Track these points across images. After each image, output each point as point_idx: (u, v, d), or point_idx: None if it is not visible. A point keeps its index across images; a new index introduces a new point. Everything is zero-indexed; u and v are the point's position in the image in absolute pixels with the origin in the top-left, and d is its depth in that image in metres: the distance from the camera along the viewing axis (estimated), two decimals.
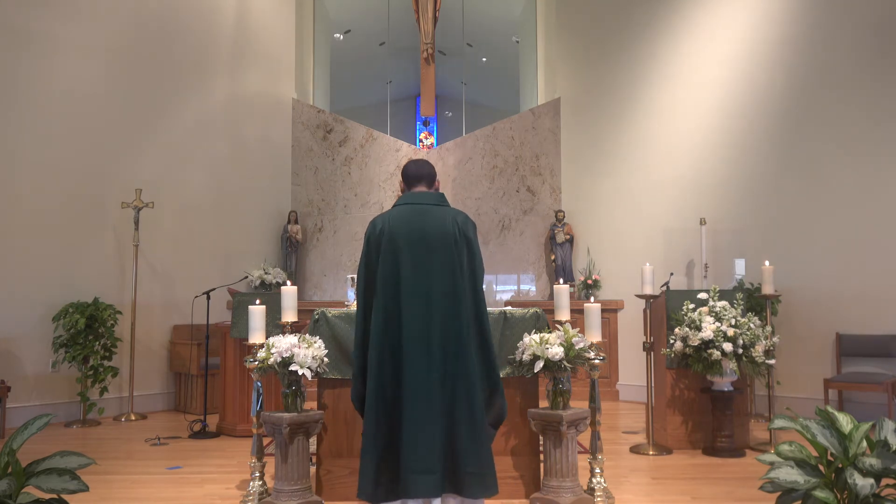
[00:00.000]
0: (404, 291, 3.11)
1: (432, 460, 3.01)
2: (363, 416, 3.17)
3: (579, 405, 3.83)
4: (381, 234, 3.18)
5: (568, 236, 8.18)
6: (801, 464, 2.47)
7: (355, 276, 4.61)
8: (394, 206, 3.31)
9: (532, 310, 3.95)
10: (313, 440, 3.74)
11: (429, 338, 3.08)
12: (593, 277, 7.87)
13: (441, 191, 3.43)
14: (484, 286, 3.36)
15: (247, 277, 7.87)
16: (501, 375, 3.78)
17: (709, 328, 4.89)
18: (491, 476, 3.08)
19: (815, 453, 2.55)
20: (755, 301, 6.18)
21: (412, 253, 3.13)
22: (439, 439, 3.03)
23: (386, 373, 3.08)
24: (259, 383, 3.81)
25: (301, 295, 8.22)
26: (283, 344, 3.57)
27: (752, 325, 4.96)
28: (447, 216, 3.22)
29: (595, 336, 3.81)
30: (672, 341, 5.12)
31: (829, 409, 2.60)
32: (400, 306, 3.10)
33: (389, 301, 3.12)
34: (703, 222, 7.03)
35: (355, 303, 4.32)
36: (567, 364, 3.64)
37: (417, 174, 3.35)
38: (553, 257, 8.25)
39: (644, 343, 5.23)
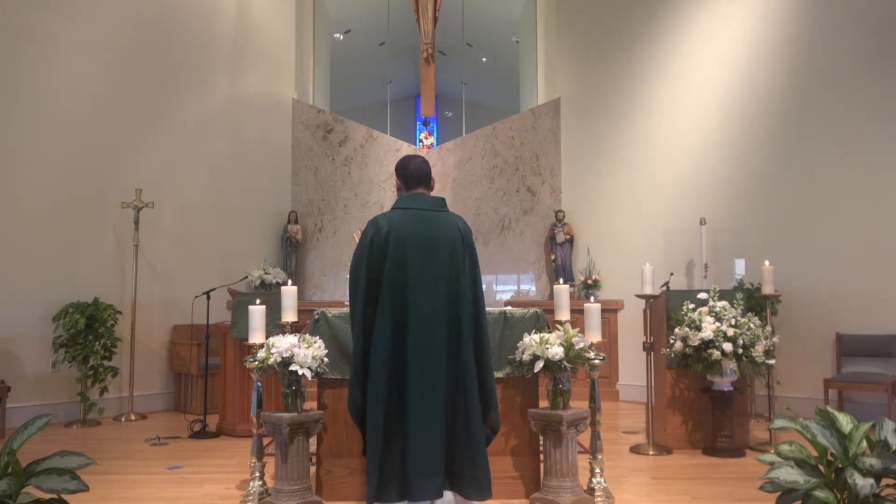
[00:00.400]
0: (411, 299, 3.10)
1: (437, 463, 3.05)
2: (362, 425, 3.17)
3: (579, 405, 3.83)
4: (386, 237, 3.14)
5: (568, 236, 8.17)
6: (801, 464, 2.47)
7: None
8: (395, 207, 3.28)
9: (532, 310, 3.95)
10: (313, 440, 3.74)
11: (435, 343, 3.10)
12: (593, 277, 7.87)
13: (435, 189, 3.43)
14: (484, 287, 3.39)
15: (247, 277, 7.87)
16: (501, 375, 3.82)
17: (709, 328, 4.89)
18: (486, 479, 3.12)
19: (815, 453, 2.55)
20: (755, 301, 6.18)
21: (420, 259, 3.13)
22: (442, 442, 3.07)
23: (394, 379, 3.09)
24: (259, 383, 3.81)
25: (301, 295, 8.22)
26: (283, 344, 3.57)
27: (752, 325, 4.96)
28: (451, 223, 3.24)
29: (595, 336, 3.81)
30: (672, 341, 5.12)
31: (829, 409, 2.60)
32: (407, 313, 3.10)
33: (397, 307, 3.11)
34: (703, 222, 7.03)
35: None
36: (567, 364, 3.64)
37: (418, 175, 3.33)
38: (553, 257, 8.25)
39: (644, 343, 5.23)
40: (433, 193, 3.41)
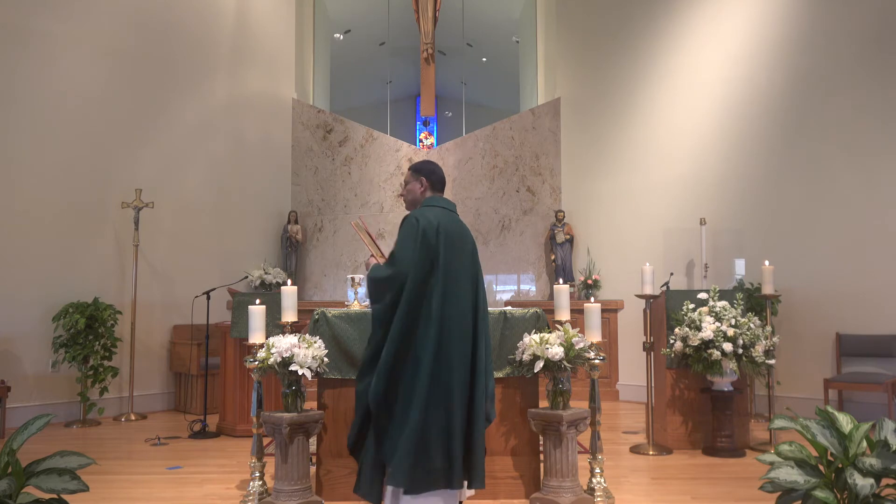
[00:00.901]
0: (454, 292, 3.22)
1: (460, 450, 3.17)
2: (389, 412, 3.17)
3: (579, 405, 3.83)
4: (437, 231, 3.23)
5: (568, 236, 8.17)
6: (801, 464, 2.47)
7: (354, 275, 4.62)
8: (432, 205, 3.37)
9: (532, 310, 3.95)
10: (313, 440, 3.74)
11: (467, 335, 3.23)
12: (593, 277, 7.87)
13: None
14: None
15: (247, 277, 7.87)
16: (501, 375, 3.84)
17: (709, 328, 4.89)
18: (482, 471, 3.23)
19: (815, 453, 2.54)
20: (755, 301, 6.18)
21: (458, 256, 3.28)
22: (464, 431, 3.21)
23: (436, 367, 3.14)
24: (259, 383, 3.81)
25: (301, 295, 8.22)
26: (283, 344, 3.57)
27: (752, 325, 4.96)
28: (466, 226, 3.44)
29: (595, 336, 3.81)
30: (672, 341, 5.12)
31: (829, 409, 2.60)
32: (451, 305, 3.21)
33: (449, 299, 3.20)
34: (703, 222, 7.03)
35: (361, 302, 4.33)
36: (567, 364, 3.64)
37: (443, 180, 3.49)
38: (553, 257, 8.25)
39: (644, 343, 5.23)
40: None
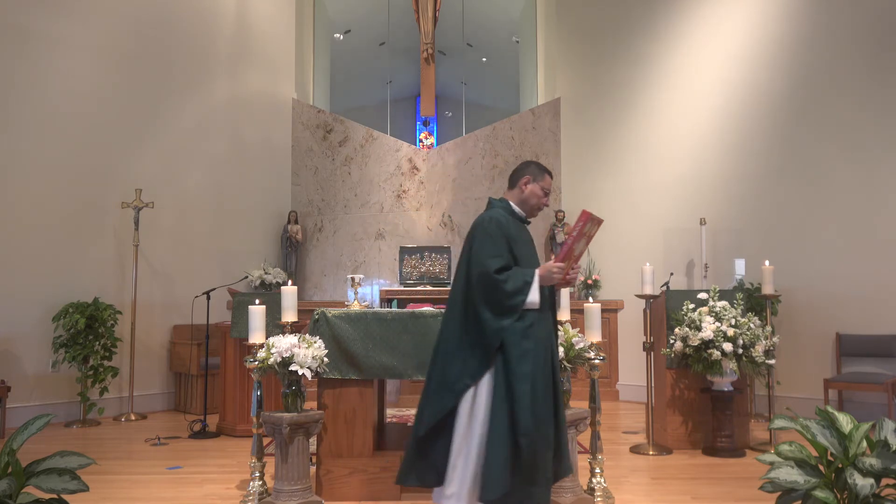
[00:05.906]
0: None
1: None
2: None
3: (579, 405, 3.83)
4: None
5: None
6: (801, 464, 2.47)
7: (354, 276, 4.62)
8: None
9: None
10: (313, 440, 3.74)
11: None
12: (593, 277, 7.87)
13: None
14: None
15: (247, 277, 7.87)
16: None
17: (709, 328, 4.89)
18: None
19: (815, 453, 2.55)
20: (755, 301, 6.18)
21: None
22: None
23: None
24: (259, 383, 3.81)
25: (301, 295, 8.22)
26: (283, 344, 3.57)
27: (752, 325, 4.96)
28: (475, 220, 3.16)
29: (595, 336, 3.81)
30: (672, 341, 5.12)
31: (830, 409, 2.60)
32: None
33: None
34: (703, 222, 7.03)
35: (361, 302, 4.33)
36: (567, 364, 3.64)
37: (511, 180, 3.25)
38: (553, 257, 8.24)
39: (644, 343, 5.23)
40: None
